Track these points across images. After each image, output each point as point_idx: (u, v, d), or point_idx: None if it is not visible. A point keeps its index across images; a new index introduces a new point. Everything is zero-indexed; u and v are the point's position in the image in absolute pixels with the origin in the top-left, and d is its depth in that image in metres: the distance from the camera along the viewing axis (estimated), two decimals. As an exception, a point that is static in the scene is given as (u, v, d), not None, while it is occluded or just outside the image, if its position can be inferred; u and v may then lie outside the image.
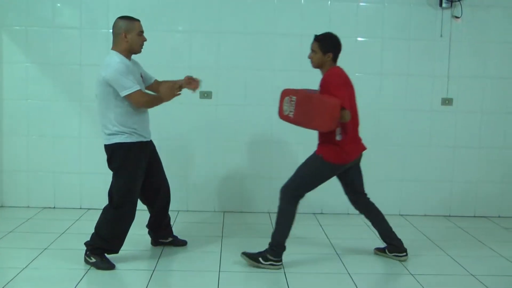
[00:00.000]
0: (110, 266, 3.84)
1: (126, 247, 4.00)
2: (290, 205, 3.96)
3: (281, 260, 3.98)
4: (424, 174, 5.65)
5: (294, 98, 3.88)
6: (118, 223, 3.88)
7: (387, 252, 4.28)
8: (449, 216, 5.67)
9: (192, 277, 3.82)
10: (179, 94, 3.94)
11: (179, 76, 5.30)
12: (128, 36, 3.80)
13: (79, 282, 3.61)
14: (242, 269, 3.94)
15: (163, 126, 5.37)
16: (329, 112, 3.62)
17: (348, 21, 5.44)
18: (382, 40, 5.47)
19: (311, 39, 5.38)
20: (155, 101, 3.87)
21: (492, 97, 5.61)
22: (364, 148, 4.13)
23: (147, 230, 4.38)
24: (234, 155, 5.52)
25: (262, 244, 4.05)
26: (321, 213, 5.55)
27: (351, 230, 5.04)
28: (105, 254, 3.89)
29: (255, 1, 5.39)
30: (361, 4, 5.45)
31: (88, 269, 3.83)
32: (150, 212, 4.32)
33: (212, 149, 5.49)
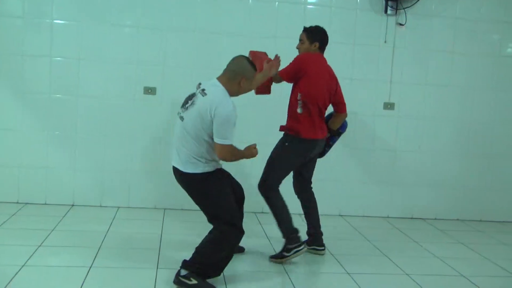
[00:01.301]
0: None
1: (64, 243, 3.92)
2: (273, 196, 4.14)
3: (302, 243, 4.11)
4: (365, 176, 5.78)
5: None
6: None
7: (306, 244, 4.36)
8: (388, 217, 5.82)
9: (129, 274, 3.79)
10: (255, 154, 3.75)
11: (125, 70, 5.30)
12: (244, 84, 3.61)
13: (12, 278, 3.50)
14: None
15: (109, 121, 5.31)
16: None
17: (295, 23, 5.47)
18: (328, 43, 5.53)
19: (257, 39, 5.45)
20: (237, 158, 3.63)
21: (432, 103, 5.79)
22: (324, 135, 4.29)
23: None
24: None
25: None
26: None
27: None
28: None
29: (229, 2, 5.42)
30: (308, 7, 5.52)
31: (22, 266, 3.73)
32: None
33: (155, 144, 5.44)
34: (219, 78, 3.60)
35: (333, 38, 5.51)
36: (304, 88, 4.11)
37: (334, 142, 4.50)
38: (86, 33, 5.25)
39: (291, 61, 4.22)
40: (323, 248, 4.41)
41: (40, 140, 5.30)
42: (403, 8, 5.56)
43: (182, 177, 3.64)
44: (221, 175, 3.70)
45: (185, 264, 3.56)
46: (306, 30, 4.27)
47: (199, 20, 5.37)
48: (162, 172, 5.43)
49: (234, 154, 3.56)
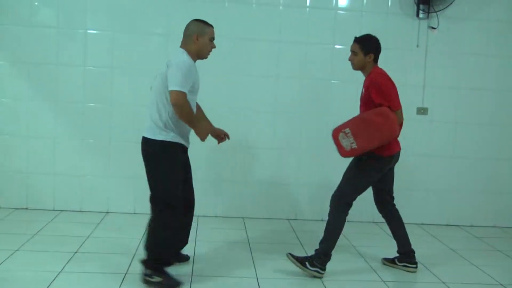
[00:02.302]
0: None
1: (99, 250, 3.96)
2: (339, 214, 4.02)
3: (325, 270, 3.97)
4: (399, 183, 5.69)
5: (348, 130, 3.85)
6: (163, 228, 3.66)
7: (396, 262, 4.29)
8: (422, 224, 5.73)
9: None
10: (205, 140, 3.77)
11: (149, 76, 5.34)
12: (200, 39, 3.74)
13: (49, 284, 3.56)
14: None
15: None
16: (388, 119, 3.79)
17: (326, 28, 5.49)
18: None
19: (289, 45, 5.45)
20: (190, 118, 3.59)
21: (465, 107, 5.70)
22: (400, 148, 4.18)
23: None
24: (211, 158, 5.51)
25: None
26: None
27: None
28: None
29: (234, 6, 5.41)
30: (339, 12, 5.50)
31: (59, 272, 3.77)
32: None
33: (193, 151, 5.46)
34: (180, 46, 3.78)
35: (364, 43, 5.52)
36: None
37: None
38: (118, 42, 5.33)
39: (376, 91, 3.91)
40: (415, 266, 4.23)
41: (75, 148, 5.38)
42: (435, 12, 5.49)
43: (143, 144, 3.74)
44: (182, 158, 3.76)
45: (142, 263, 3.65)
46: (359, 40, 4.05)
47: (230, 27, 5.39)
48: (196, 178, 5.45)
49: (187, 104, 3.52)
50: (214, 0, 5.38)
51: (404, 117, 5.64)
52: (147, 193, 5.43)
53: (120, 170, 5.44)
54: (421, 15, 5.53)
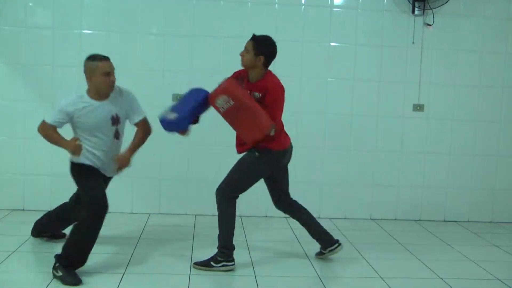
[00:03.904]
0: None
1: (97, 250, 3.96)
2: (228, 207, 4.04)
3: (233, 260, 4.00)
4: (395, 179, 5.72)
5: (232, 103, 3.78)
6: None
7: (322, 251, 4.30)
8: (419, 220, 5.75)
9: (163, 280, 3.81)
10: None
11: (152, 77, 5.35)
12: (93, 78, 3.82)
13: (47, 285, 3.55)
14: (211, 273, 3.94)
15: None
16: (261, 132, 3.79)
17: (322, 26, 5.49)
18: (355, 46, 5.52)
19: (285, 43, 5.44)
20: (53, 140, 3.94)
21: (461, 104, 5.71)
22: (290, 142, 4.14)
23: None
24: (208, 157, 5.51)
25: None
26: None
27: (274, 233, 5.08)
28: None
29: (229, 5, 5.40)
30: (334, 9, 5.50)
31: (57, 272, 3.77)
32: None
33: (185, 151, 5.47)
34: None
35: (360, 40, 5.53)
36: None
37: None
38: (114, 42, 5.32)
39: (269, 97, 3.90)
40: (336, 245, 4.23)
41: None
42: (431, 9, 5.49)
43: None
44: (90, 171, 3.96)
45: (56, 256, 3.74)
46: (254, 39, 3.98)
47: (225, 26, 5.40)
48: (193, 178, 5.47)
49: (44, 129, 3.90)
50: (209, -1, 5.38)
51: (400, 114, 5.70)
52: (144, 192, 5.48)
53: (117, 170, 5.42)
54: (416, 12, 5.54)
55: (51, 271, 3.68)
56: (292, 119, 5.50)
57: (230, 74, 5.38)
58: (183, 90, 5.34)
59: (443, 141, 5.74)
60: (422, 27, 5.59)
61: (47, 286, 3.54)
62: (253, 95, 3.94)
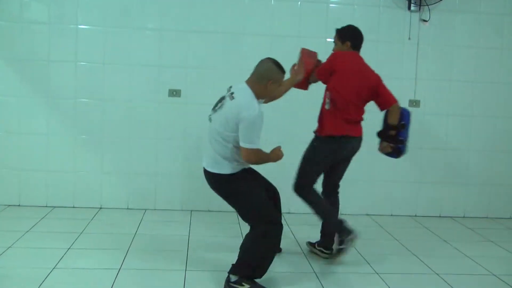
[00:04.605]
0: None
1: (92, 246, 3.97)
2: (311, 196, 4.11)
3: (352, 230, 4.01)
4: (391, 175, 5.73)
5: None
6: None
7: (316, 245, 4.35)
8: (415, 216, 5.76)
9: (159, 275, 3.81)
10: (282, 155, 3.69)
11: (148, 72, 5.34)
12: (271, 86, 3.56)
13: (43, 281, 3.55)
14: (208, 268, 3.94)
15: (135, 124, 5.36)
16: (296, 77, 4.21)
17: (318, 22, 5.48)
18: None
19: (281, 39, 5.46)
20: (263, 162, 3.62)
21: (457, 100, 5.72)
22: (357, 133, 4.22)
23: None
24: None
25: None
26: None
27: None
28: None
29: (226, 1, 5.39)
30: (331, 5, 5.50)
31: (52, 268, 3.77)
32: None
33: (181, 146, 5.46)
34: (247, 81, 3.58)
35: (356, 36, 5.52)
36: (332, 85, 4.09)
37: (404, 136, 4.27)
38: (110, 37, 5.30)
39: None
40: (328, 252, 4.26)
41: (67, 144, 5.37)
42: (427, 5, 5.49)
43: (210, 178, 3.69)
44: (247, 174, 3.71)
45: (233, 269, 3.56)
46: (337, 30, 4.26)
47: (221, 21, 5.39)
48: (189, 174, 5.46)
49: (259, 157, 3.53)
50: (206, -6, 5.37)
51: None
52: (140, 188, 5.47)
53: (113, 166, 5.43)
54: (412, 8, 5.54)
55: (228, 285, 3.54)
56: (289, 114, 5.53)
57: (225, 69, 5.41)
58: (179, 85, 5.38)
59: (439, 136, 5.75)
60: (418, 23, 5.60)
61: (43, 282, 3.53)
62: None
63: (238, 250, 3.60)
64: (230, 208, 5.25)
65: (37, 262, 3.89)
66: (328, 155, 4.15)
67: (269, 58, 3.66)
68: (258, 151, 3.48)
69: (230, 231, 4.87)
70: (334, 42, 4.28)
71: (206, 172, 3.69)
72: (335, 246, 4.13)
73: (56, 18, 5.26)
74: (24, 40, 5.25)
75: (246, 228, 4.95)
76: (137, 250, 4.26)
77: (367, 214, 5.69)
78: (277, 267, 4.00)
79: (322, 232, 4.35)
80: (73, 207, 5.40)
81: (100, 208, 5.42)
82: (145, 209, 5.44)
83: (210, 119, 3.63)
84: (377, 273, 4.00)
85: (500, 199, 5.87)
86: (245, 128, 3.40)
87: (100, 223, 4.96)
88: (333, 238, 4.23)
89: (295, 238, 4.76)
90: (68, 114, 5.34)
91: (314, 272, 3.97)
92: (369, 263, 4.21)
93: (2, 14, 5.23)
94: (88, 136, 5.38)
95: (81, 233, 4.61)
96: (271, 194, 3.85)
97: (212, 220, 5.23)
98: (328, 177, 4.34)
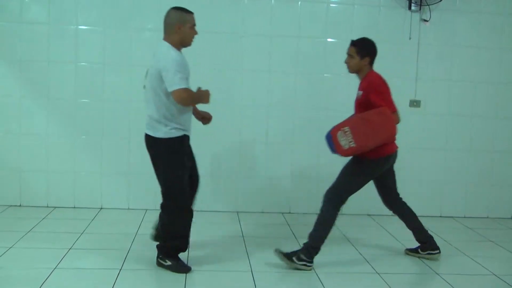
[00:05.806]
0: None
1: (93, 246, 3.96)
2: (334, 211, 4.03)
3: (313, 262, 3.99)
4: (391, 175, 5.72)
5: (347, 128, 3.86)
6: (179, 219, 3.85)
7: (420, 251, 4.37)
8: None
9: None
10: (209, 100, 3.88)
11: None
12: (182, 28, 3.72)
13: (44, 281, 3.55)
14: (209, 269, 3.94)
15: (135, 124, 5.36)
16: (389, 119, 3.87)
17: (318, 22, 5.48)
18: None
19: (281, 39, 5.45)
20: (196, 101, 3.82)
21: (458, 99, 5.72)
22: (396, 147, 4.20)
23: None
24: (203, 154, 5.50)
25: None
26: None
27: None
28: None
29: (225, 1, 5.39)
30: (331, 5, 5.49)
31: (54, 269, 3.77)
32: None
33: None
34: (163, 38, 3.77)
35: (356, 36, 5.47)
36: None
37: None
38: (110, 38, 5.30)
39: (376, 92, 3.95)
40: (438, 251, 4.33)
41: (67, 145, 5.37)
42: (427, 4, 5.49)
43: (147, 140, 3.85)
44: (186, 150, 3.85)
45: (157, 248, 3.89)
46: (355, 44, 4.05)
47: (221, 22, 5.39)
48: (188, 174, 5.44)
49: (190, 95, 3.65)
50: (206, -6, 5.37)
51: (396, 109, 5.65)
52: (140, 188, 5.47)
53: (113, 166, 5.43)
54: (413, 8, 5.54)
55: (157, 261, 3.89)
56: (288, 114, 5.53)
57: (225, 69, 5.41)
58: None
59: (439, 136, 5.75)
60: (419, 22, 5.60)
61: (44, 282, 3.53)
62: (357, 93, 4.08)
63: (238, 249, 3.61)
64: (231, 208, 5.29)
65: (38, 262, 3.89)
66: (374, 174, 4.15)
67: (171, 8, 3.80)
68: (186, 90, 3.61)
69: (231, 231, 4.87)
70: (348, 54, 4.06)
71: (146, 137, 3.86)
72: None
73: (56, 19, 5.27)
74: (24, 41, 5.25)
75: (246, 227, 4.98)
76: (138, 250, 4.26)
77: (368, 214, 5.69)
78: (277, 266, 4.00)
79: (418, 239, 4.40)
80: (74, 207, 5.40)
81: (101, 208, 5.43)
82: (146, 209, 5.43)
83: (144, 87, 3.84)
84: (378, 273, 4.00)
85: (501, 199, 5.87)
86: (166, 74, 3.57)
87: (101, 224, 4.96)
88: (431, 238, 4.34)
89: (295, 238, 4.76)
90: (68, 115, 5.34)
91: (315, 272, 3.97)
92: (369, 263, 4.21)
93: (2, 14, 5.23)
94: (88, 136, 5.38)
95: (82, 233, 4.61)
96: (194, 181, 4.06)
97: (212, 220, 5.23)
98: (383, 194, 4.40)
